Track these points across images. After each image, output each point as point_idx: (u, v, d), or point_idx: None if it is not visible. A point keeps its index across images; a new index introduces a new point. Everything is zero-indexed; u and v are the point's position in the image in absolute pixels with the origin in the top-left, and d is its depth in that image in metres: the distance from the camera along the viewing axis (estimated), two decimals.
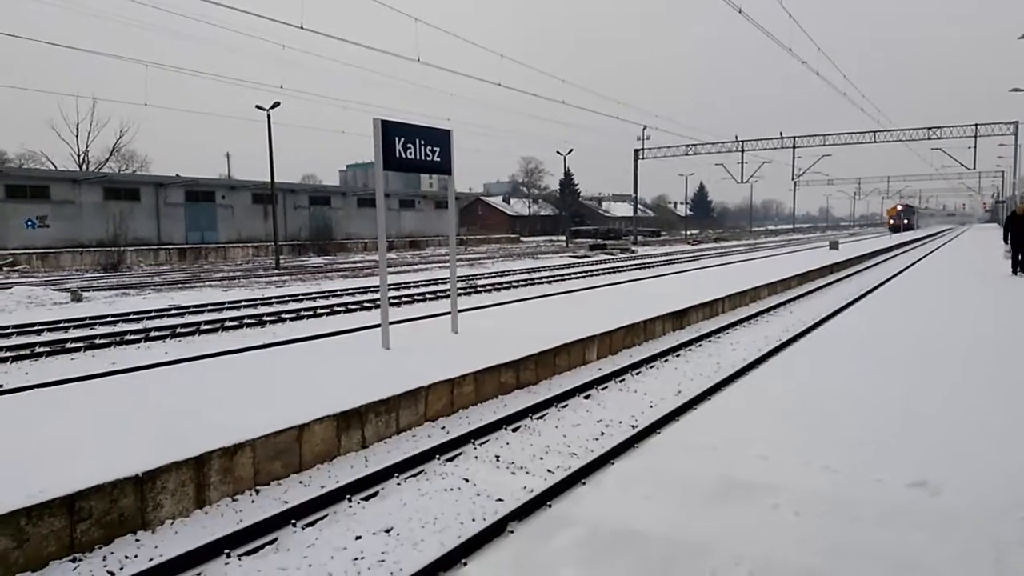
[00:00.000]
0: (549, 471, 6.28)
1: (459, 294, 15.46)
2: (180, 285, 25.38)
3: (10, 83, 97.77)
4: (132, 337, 13.29)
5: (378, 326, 10.22)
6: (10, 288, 20.98)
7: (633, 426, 7.52)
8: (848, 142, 53.46)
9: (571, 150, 63.39)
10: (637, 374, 10.22)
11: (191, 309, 17.18)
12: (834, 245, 38.12)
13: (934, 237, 68.17)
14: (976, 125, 49.30)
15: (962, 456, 5.52)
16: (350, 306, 17.83)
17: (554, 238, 79.01)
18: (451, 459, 6.60)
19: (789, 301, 18.68)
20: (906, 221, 78.36)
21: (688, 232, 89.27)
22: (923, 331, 11.19)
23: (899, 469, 5.22)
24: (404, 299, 19.42)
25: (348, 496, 5.63)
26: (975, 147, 50.09)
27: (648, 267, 32.83)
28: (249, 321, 15.28)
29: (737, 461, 5.48)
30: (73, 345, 12.45)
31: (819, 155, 60.43)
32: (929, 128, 50.49)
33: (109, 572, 4.57)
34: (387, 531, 5.11)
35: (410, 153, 9.63)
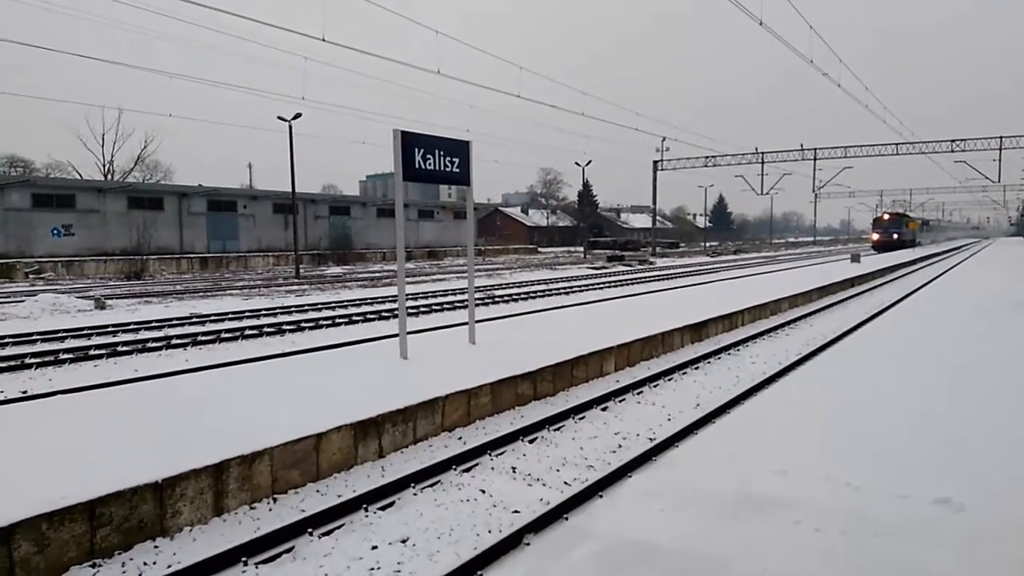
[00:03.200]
0: (566, 483, 6.25)
1: (477, 304, 15.48)
2: (201, 293, 25.64)
3: (38, 94, 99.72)
4: (154, 345, 13.44)
5: (396, 336, 10.25)
6: (36, 295, 21.31)
7: (651, 439, 7.47)
8: (870, 154, 52.88)
9: (590, 161, 63.43)
10: (655, 386, 10.15)
11: (212, 317, 17.34)
12: (855, 258, 37.75)
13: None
14: (1001, 138, 48.62)
15: (985, 473, 5.42)
16: (368, 316, 17.91)
17: (572, 249, 78.93)
18: (468, 470, 6.59)
19: (810, 314, 18.49)
20: (896, 235, 59.25)
21: (707, 244, 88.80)
22: (946, 347, 11.03)
23: (922, 485, 5.14)
24: (422, 309, 19.48)
25: (365, 505, 5.64)
26: (1000, 159, 49.41)
27: (667, 279, 32.67)
28: (269, 330, 15.39)
29: (756, 475, 5.42)
30: (96, 352, 12.60)
31: (840, 167, 59.89)
32: (953, 140, 49.88)
33: None
34: (403, 541, 5.10)
35: (429, 164, 9.69)
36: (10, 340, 13.53)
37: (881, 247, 55.94)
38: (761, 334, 14.89)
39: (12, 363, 11.57)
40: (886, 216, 64.05)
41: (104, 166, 60.04)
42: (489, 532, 5.22)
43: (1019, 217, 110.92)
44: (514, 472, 6.58)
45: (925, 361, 9.83)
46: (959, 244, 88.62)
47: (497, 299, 22.55)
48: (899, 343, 11.46)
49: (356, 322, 17.18)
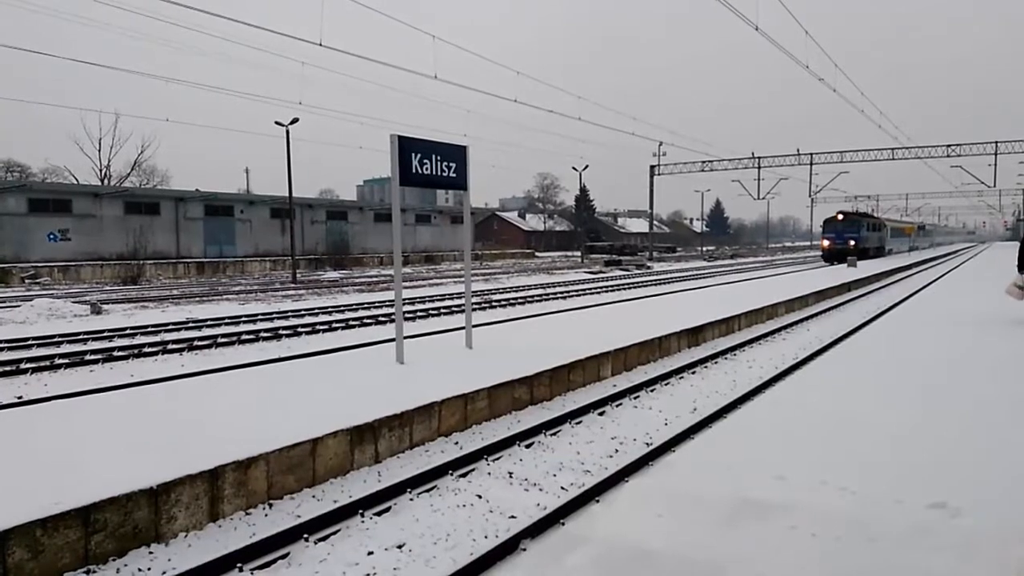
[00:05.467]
0: (562, 488, 6.24)
1: (474, 309, 15.47)
2: (198, 298, 25.60)
3: (35, 99, 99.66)
4: (150, 350, 13.41)
5: (392, 340, 10.24)
6: (31, 300, 21.26)
7: (648, 444, 7.46)
8: (866, 159, 53.08)
9: (587, 166, 63.81)
10: (652, 391, 10.14)
11: (208, 322, 17.31)
12: (852, 262, 37.79)
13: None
14: (996, 143, 48.87)
15: (982, 477, 5.42)
16: (365, 320, 17.89)
17: (569, 253, 79.00)
18: (464, 475, 6.57)
19: (807, 319, 18.51)
20: (853, 242, 43.90)
21: (704, 248, 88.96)
22: (941, 353, 11.04)
23: (918, 490, 5.13)
24: (419, 313, 19.46)
25: (361, 511, 5.62)
26: (995, 164, 49.66)
27: (664, 283, 32.69)
28: (265, 335, 15.37)
29: (753, 480, 5.41)
30: (92, 357, 12.57)
31: (836, 172, 60.15)
32: (948, 145, 50.12)
33: None
34: (399, 547, 5.08)
35: (426, 169, 9.69)
36: (5, 345, 13.49)
37: (833, 256, 42.26)
38: (758, 338, 14.89)
39: (7, 368, 11.52)
40: (840, 216, 47.97)
41: (101, 171, 60.03)
42: (486, 537, 5.20)
43: (1015, 222, 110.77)
44: (511, 477, 6.56)
45: (922, 366, 9.84)
46: (947, 251, 77.87)
47: (494, 303, 22.54)
48: (895, 348, 11.47)
49: (353, 327, 17.16)
